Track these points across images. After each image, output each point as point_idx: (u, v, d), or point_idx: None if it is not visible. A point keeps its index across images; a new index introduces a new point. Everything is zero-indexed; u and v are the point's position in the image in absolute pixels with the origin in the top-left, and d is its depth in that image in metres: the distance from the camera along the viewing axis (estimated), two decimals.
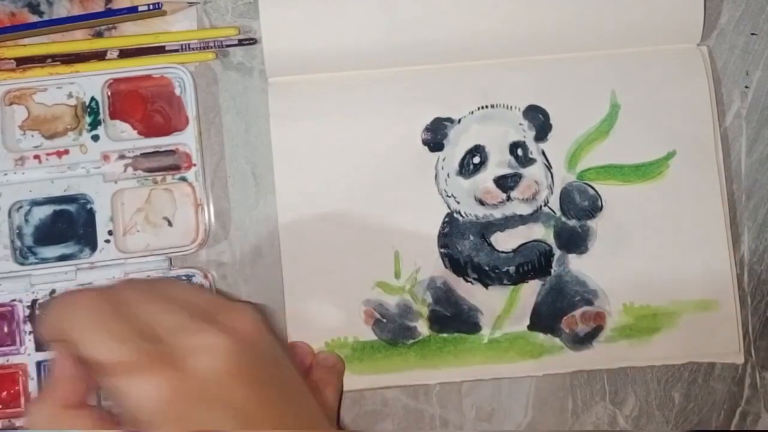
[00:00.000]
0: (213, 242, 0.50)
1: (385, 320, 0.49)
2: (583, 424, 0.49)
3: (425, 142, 0.50)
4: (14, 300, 0.48)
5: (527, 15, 0.49)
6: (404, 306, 0.49)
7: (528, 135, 0.50)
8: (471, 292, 0.49)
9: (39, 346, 0.48)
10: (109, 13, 0.50)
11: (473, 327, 0.49)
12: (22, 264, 0.48)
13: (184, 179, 0.49)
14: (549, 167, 0.50)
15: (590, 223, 0.50)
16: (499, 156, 0.50)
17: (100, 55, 0.50)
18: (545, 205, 0.50)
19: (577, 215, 0.50)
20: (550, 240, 0.50)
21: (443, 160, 0.50)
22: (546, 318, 0.49)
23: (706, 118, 0.50)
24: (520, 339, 0.49)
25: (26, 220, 0.49)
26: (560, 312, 0.49)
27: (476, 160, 0.50)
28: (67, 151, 0.49)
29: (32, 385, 0.48)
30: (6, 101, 0.49)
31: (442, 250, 0.49)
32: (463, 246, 0.49)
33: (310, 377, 0.46)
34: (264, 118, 0.50)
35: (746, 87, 0.51)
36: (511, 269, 0.49)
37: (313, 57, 0.49)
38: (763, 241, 0.51)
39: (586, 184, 0.50)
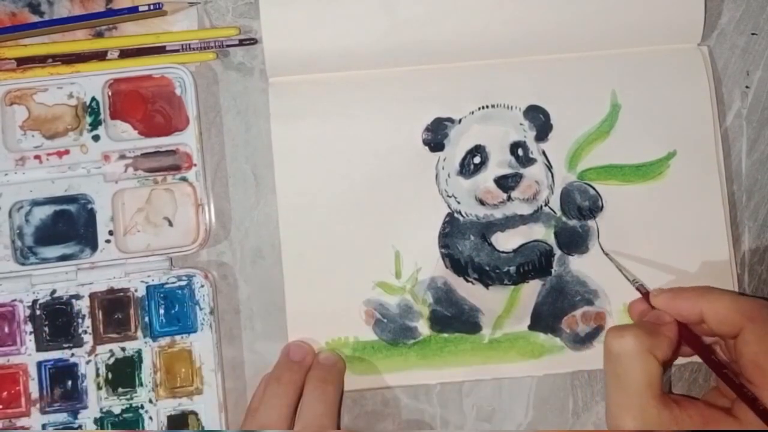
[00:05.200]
0: (213, 242, 0.50)
1: (385, 320, 0.49)
2: (583, 424, 0.49)
3: (426, 142, 0.50)
4: (15, 300, 0.48)
5: (528, 15, 0.49)
6: (405, 306, 0.49)
7: (528, 135, 0.50)
8: (471, 292, 0.49)
9: (39, 346, 0.48)
10: (110, 13, 0.50)
11: (474, 327, 0.49)
12: (22, 264, 0.48)
13: (184, 179, 0.49)
14: (549, 167, 0.50)
15: (591, 223, 0.50)
16: (500, 156, 0.50)
17: (100, 55, 0.50)
18: (546, 205, 0.50)
19: (577, 215, 0.50)
20: (551, 240, 0.50)
21: (444, 160, 0.50)
22: (546, 318, 0.49)
23: (707, 118, 0.50)
24: (521, 339, 0.49)
25: (27, 220, 0.49)
26: (561, 312, 0.49)
27: (477, 160, 0.50)
28: (67, 151, 0.49)
29: (32, 385, 0.48)
30: (6, 101, 0.49)
31: (442, 250, 0.49)
32: (464, 246, 0.49)
33: (310, 377, 0.46)
34: (264, 118, 0.50)
35: (747, 87, 0.51)
36: (512, 269, 0.49)
37: (313, 57, 0.49)
38: (763, 241, 0.51)
39: (586, 184, 0.50)
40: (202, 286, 0.48)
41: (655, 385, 0.41)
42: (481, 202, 0.49)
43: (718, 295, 0.44)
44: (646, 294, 0.46)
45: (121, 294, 0.48)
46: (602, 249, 0.49)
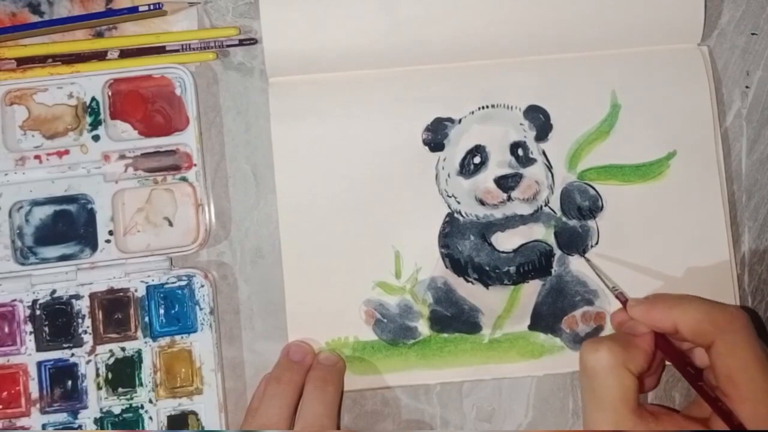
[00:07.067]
0: (213, 242, 0.50)
1: (385, 320, 0.49)
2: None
3: (426, 142, 0.50)
4: (15, 300, 0.48)
5: (528, 15, 0.49)
6: (405, 306, 0.49)
7: (528, 135, 0.50)
8: (471, 292, 0.49)
9: (39, 346, 0.48)
10: (110, 13, 0.50)
11: (474, 327, 0.49)
12: (22, 264, 0.48)
13: (184, 179, 0.49)
14: (549, 167, 0.50)
15: (591, 223, 0.50)
16: (500, 156, 0.50)
17: (100, 55, 0.50)
18: (546, 205, 0.50)
19: (577, 215, 0.50)
20: (551, 240, 0.50)
21: (444, 160, 0.50)
22: (546, 318, 0.49)
23: (707, 118, 0.50)
24: (521, 339, 0.49)
25: (27, 220, 0.49)
26: (561, 312, 0.49)
27: (477, 160, 0.50)
28: (67, 151, 0.49)
29: (32, 385, 0.48)
30: (6, 101, 0.49)
31: (442, 250, 0.49)
32: (464, 246, 0.49)
33: (310, 377, 0.46)
34: (264, 118, 0.50)
35: (747, 87, 0.51)
36: (512, 269, 0.49)
37: (313, 57, 0.49)
38: (763, 241, 0.51)
39: (586, 184, 0.50)
40: (202, 286, 0.48)
41: (630, 399, 0.41)
42: (481, 202, 0.49)
43: (690, 305, 0.43)
44: (624, 302, 0.46)
45: (121, 294, 0.48)
46: (584, 257, 0.49)
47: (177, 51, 0.50)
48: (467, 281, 0.49)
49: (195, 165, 0.49)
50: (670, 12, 0.49)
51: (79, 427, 0.48)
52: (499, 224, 0.50)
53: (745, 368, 0.41)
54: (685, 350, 0.45)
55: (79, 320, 0.48)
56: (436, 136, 0.50)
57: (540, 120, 0.50)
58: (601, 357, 0.42)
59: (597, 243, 0.49)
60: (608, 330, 0.49)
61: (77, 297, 0.48)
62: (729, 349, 0.41)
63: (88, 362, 0.48)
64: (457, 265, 0.49)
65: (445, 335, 0.49)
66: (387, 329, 0.49)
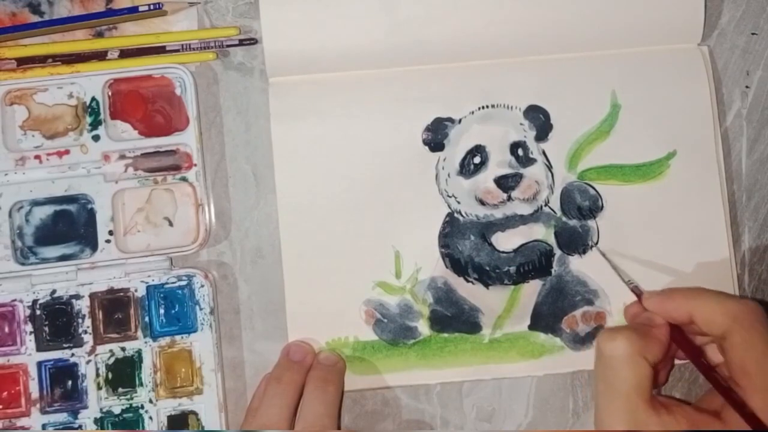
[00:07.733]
0: (213, 242, 0.50)
1: (385, 320, 0.49)
2: (583, 424, 0.49)
3: (426, 142, 0.50)
4: (15, 300, 0.48)
5: (528, 15, 0.49)
6: (405, 306, 0.49)
7: (529, 135, 0.50)
8: (472, 292, 0.49)
9: (39, 346, 0.48)
10: (110, 13, 0.50)
11: (474, 327, 0.49)
12: (22, 264, 0.48)
13: (184, 179, 0.49)
14: (550, 167, 0.50)
15: (591, 223, 0.50)
16: (500, 156, 0.50)
17: (100, 55, 0.50)
18: (546, 205, 0.50)
19: (577, 215, 0.50)
20: (551, 240, 0.50)
21: (444, 160, 0.50)
22: (547, 318, 0.49)
23: (707, 118, 0.50)
24: (521, 339, 0.49)
25: (27, 220, 0.49)
26: (561, 312, 0.49)
27: (477, 160, 0.50)
28: (67, 151, 0.49)
29: (32, 385, 0.48)
30: (7, 101, 0.49)
31: (442, 250, 0.49)
32: (464, 246, 0.49)
33: (310, 377, 0.46)
34: (264, 118, 0.50)
35: (747, 87, 0.51)
36: (512, 269, 0.49)
37: (313, 57, 0.49)
38: (763, 241, 0.51)
39: (586, 184, 0.50)
40: (202, 286, 0.48)
41: (644, 388, 0.41)
42: (481, 202, 0.49)
43: (706, 298, 0.43)
44: (639, 295, 0.46)
45: (121, 294, 0.48)
46: (599, 250, 0.49)
47: (177, 51, 0.50)
48: (467, 281, 0.49)
49: (195, 165, 0.49)
50: (670, 12, 0.49)
51: (79, 427, 0.48)
52: (499, 224, 0.50)
53: (760, 359, 0.41)
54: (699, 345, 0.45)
55: (79, 320, 0.48)
56: (436, 136, 0.50)
57: (540, 120, 0.50)
58: (618, 345, 0.42)
59: (597, 243, 0.49)
60: None
61: (77, 297, 0.48)
62: (744, 341, 0.41)
63: (88, 362, 0.48)
64: (457, 265, 0.49)
65: (445, 335, 0.49)
66: (387, 329, 0.49)
